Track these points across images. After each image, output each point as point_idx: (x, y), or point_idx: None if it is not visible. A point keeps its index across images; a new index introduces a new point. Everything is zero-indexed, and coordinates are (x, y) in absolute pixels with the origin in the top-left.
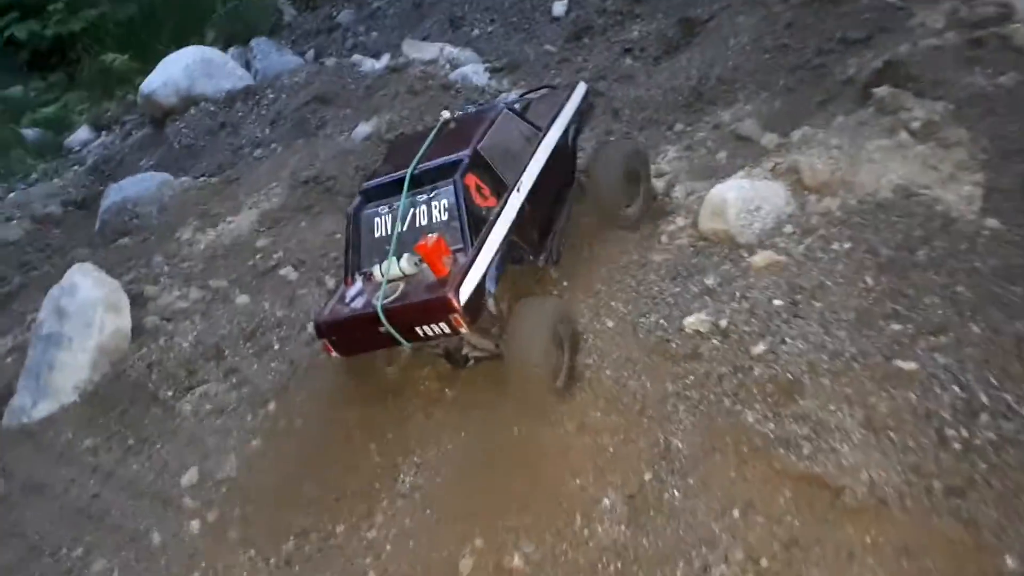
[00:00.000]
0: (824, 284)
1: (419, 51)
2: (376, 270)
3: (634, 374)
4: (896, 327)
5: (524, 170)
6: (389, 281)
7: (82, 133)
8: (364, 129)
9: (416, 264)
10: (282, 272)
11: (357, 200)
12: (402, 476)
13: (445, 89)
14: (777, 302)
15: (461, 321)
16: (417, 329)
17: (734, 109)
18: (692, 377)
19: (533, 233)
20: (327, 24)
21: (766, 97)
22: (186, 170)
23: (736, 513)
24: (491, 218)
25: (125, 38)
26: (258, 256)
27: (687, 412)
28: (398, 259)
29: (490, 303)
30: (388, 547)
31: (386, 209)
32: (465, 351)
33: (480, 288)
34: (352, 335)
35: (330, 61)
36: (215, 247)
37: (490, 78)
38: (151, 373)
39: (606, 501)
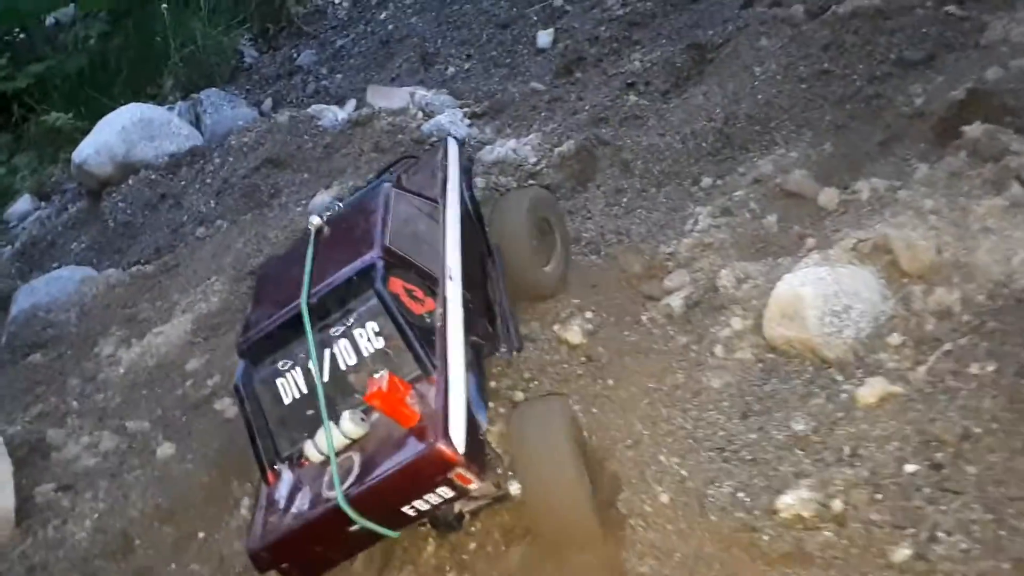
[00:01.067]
0: (972, 433)
1: (386, 99)
2: (309, 448)
3: None
4: None
5: (444, 253)
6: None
7: (22, 204)
8: (323, 198)
9: (362, 419)
10: (217, 406)
11: (240, 367)
12: None
13: (418, 144)
14: (910, 467)
15: (468, 475)
16: (405, 508)
17: (774, 156)
18: None
19: (485, 324)
20: (287, 67)
21: (812, 139)
22: (122, 252)
23: None
24: (438, 324)
25: (74, 93)
26: (189, 383)
27: None
28: (336, 423)
29: (487, 436)
30: None
31: (289, 363)
32: (459, 507)
33: (471, 421)
34: (311, 550)
35: (283, 116)
36: (138, 370)
37: (470, 126)
38: None
39: None
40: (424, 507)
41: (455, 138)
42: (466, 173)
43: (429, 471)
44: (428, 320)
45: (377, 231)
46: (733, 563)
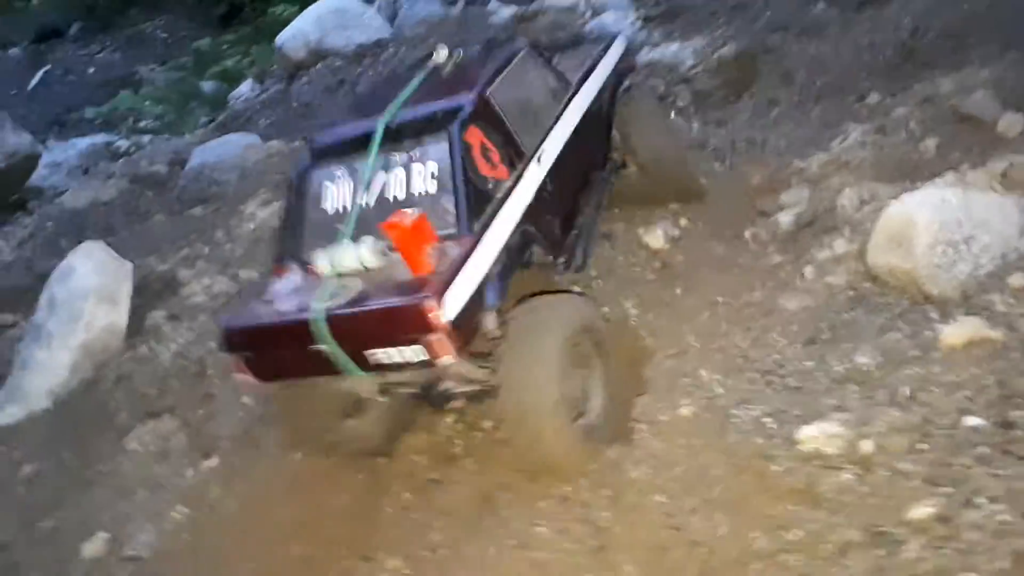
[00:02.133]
0: None
1: None
2: (320, 257)
3: (705, 507)
4: None
5: (547, 134)
6: (340, 275)
7: (244, 87)
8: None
9: (384, 253)
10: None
11: (304, 162)
12: None
13: None
14: (972, 420)
15: (445, 345)
16: (374, 351)
17: (961, 75)
18: (799, 533)
19: (554, 224)
20: None
21: (1015, 58)
22: (298, 130)
23: None
24: (499, 195)
25: None
26: None
27: None
28: (355, 243)
29: (489, 320)
30: None
31: (344, 172)
32: (446, 386)
33: (477, 297)
34: (274, 351)
35: (458, 9)
36: (263, 228)
37: (640, 28)
38: (117, 389)
39: None
40: (389, 359)
41: (625, 39)
42: (621, 76)
43: (407, 324)
44: (491, 185)
45: (484, 78)
46: (737, 488)
